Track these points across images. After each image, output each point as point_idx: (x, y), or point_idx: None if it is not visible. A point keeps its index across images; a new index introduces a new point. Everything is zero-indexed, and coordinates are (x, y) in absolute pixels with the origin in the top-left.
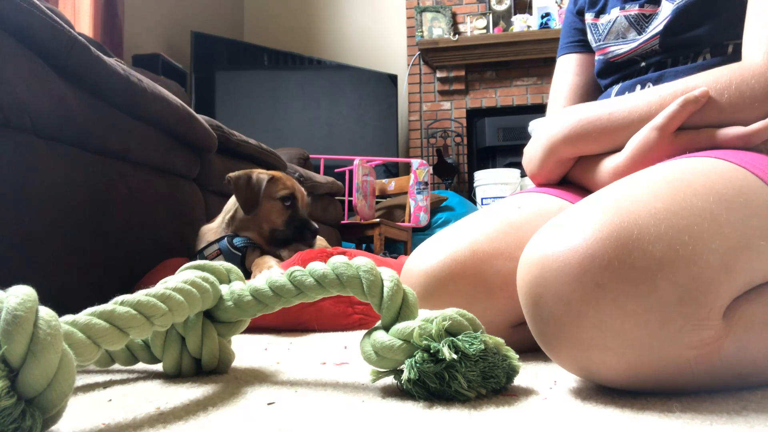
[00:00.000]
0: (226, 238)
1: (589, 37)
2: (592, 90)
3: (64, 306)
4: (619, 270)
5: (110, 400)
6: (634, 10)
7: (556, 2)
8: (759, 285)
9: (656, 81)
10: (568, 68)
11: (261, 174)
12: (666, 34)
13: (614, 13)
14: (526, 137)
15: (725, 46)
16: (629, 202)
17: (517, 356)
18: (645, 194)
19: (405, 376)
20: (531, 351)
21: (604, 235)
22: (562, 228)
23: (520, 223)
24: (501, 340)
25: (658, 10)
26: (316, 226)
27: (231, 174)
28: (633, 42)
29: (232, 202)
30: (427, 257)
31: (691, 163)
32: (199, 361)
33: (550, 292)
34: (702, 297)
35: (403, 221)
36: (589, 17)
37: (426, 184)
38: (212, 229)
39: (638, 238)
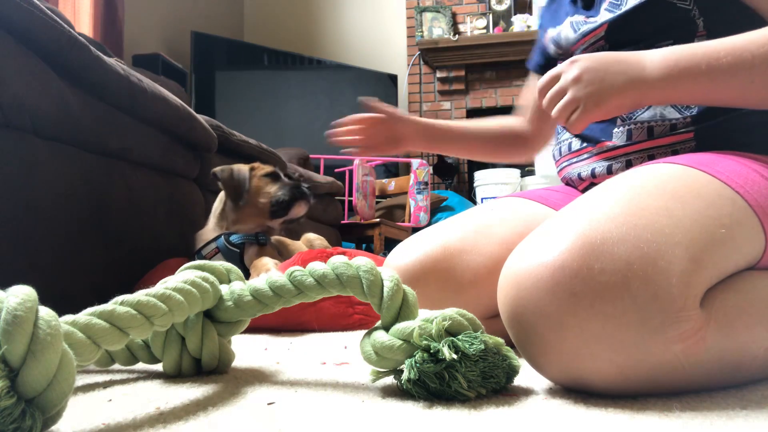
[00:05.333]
0: (222, 236)
1: (552, 49)
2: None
3: (64, 306)
4: (589, 276)
5: (110, 400)
6: (581, 18)
7: None
8: (732, 274)
9: None
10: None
11: (241, 166)
12: (609, 33)
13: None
14: None
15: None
16: (588, 212)
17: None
18: (602, 203)
19: (405, 376)
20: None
21: (569, 245)
22: (531, 246)
23: (491, 224)
24: (501, 340)
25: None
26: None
27: (215, 168)
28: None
29: (219, 200)
30: (402, 255)
31: (643, 171)
32: (199, 361)
33: (530, 310)
34: (674, 290)
35: (403, 221)
36: (551, 32)
37: (426, 184)
38: (206, 232)
39: (602, 242)
